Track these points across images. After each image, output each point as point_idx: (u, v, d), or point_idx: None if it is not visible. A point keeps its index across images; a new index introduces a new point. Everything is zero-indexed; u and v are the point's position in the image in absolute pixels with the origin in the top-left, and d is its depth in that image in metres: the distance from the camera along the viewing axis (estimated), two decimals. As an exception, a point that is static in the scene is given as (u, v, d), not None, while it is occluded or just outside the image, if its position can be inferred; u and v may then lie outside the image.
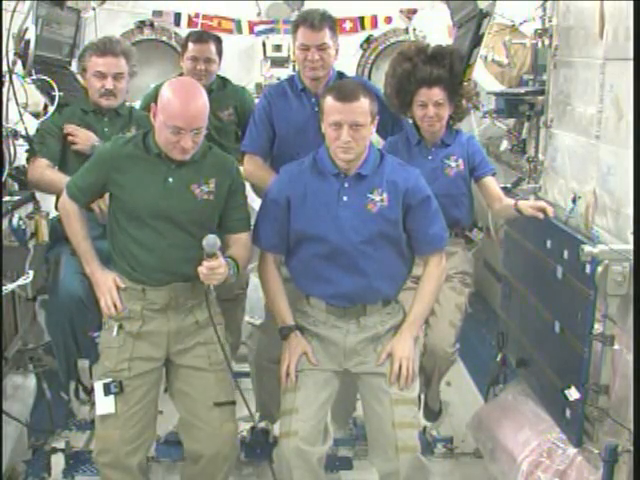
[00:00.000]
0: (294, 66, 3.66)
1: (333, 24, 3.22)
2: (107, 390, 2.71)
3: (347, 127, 2.57)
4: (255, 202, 4.89)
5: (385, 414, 2.70)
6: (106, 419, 2.73)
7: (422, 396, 3.46)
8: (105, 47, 3.20)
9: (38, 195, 3.23)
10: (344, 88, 2.65)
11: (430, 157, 3.22)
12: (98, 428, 2.79)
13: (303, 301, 2.84)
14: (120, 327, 2.72)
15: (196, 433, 2.77)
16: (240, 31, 5.12)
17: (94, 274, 2.75)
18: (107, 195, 2.78)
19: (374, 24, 5.20)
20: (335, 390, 2.80)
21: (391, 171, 2.69)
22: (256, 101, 4.15)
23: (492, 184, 3.26)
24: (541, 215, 2.92)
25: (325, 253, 2.70)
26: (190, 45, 3.85)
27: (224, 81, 4.03)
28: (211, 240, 2.50)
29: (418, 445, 2.71)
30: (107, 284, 2.71)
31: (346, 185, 2.68)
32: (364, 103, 2.58)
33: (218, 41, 3.91)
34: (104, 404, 2.72)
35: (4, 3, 3.16)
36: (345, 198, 2.67)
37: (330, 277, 2.72)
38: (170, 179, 2.66)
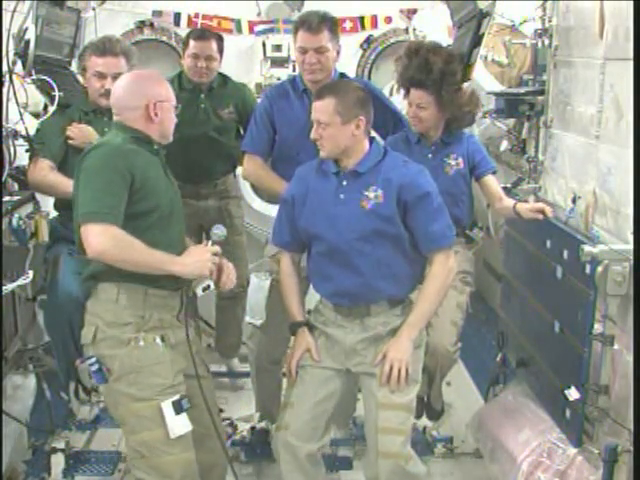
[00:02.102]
0: (294, 66, 3.65)
1: (333, 26, 3.19)
2: (178, 408, 2.49)
3: (316, 125, 2.64)
4: (255, 202, 4.92)
5: (370, 417, 2.71)
6: (181, 440, 2.51)
7: (425, 396, 3.47)
8: (105, 47, 3.19)
9: (38, 195, 3.23)
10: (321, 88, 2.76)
11: (430, 155, 3.23)
12: (174, 452, 2.52)
13: (318, 300, 2.86)
14: (162, 339, 2.54)
15: (211, 444, 2.69)
16: (240, 31, 5.11)
17: (184, 266, 2.46)
18: None
19: (374, 24, 5.19)
20: (336, 389, 2.79)
21: (390, 168, 2.68)
22: (257, 99, 4.17)
23: (492, 183, 3.26)
24: (540, 216, 2.93)
25: (325, 251, 2.72)
26: (191, 42, 3.86)
27: (225, 78, 4.04)
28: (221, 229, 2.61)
29: (402, 452, 2.65)
30: (202, 256, 2.49)
31: (344, 183, 2.70)
32: (329, 103, 2.62)
33: (219, 39, 3.93)
34: (178, 424, 2.49)
35: (4, 3, 3.16)
36: (342, 196, 2.69)
37: (330, 275, 2.73)
38: None
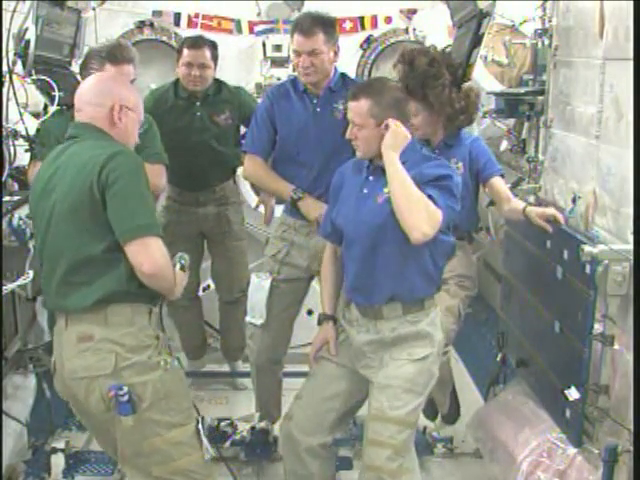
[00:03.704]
0: (294, 66, 3.66)
1: (329, 27, 3.17)
2: (202, 429, 2.45)
3: (351, 125, 2.60)
4: (254, 202, 4.91)
5: (365, 427, 2.71)
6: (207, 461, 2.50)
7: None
8: (122, 55, 3.15)
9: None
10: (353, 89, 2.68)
11: None
12: (210, 474, 2.51)
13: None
14: (178, 359, 2.49)
15: None
16: (240, 31, 5.10)
17: (179, 287, 2.44)
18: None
19: (374, 24, 5.18)
20: (345, 389, 2.78)
21: (411, 167, 2.57)
22: (256, 99, 4.17)
23: (499, 185, 3.22)
24: (549, 228, 2.89)
25: (345, 244, 2.73)
26: (185, 51, 3.86)
27: (220, 84, 4.04)
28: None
29: (386, 466, 2.59)
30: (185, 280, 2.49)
31: (370, 178, 2.67)
32: (363, 104, 2.57)
33: (213, 47, 3.92)
34: (207, 444, 2.45)
35: (4, 3, 3.17)
36: (365, 191, 2.67)
37: (347, 269, 2.74)
38: None
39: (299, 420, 2.78)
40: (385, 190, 2.58)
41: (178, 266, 2.45)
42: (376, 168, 2.65)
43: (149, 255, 2.25)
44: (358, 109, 2.58)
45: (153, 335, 2.39)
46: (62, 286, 2.34)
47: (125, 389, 2.27)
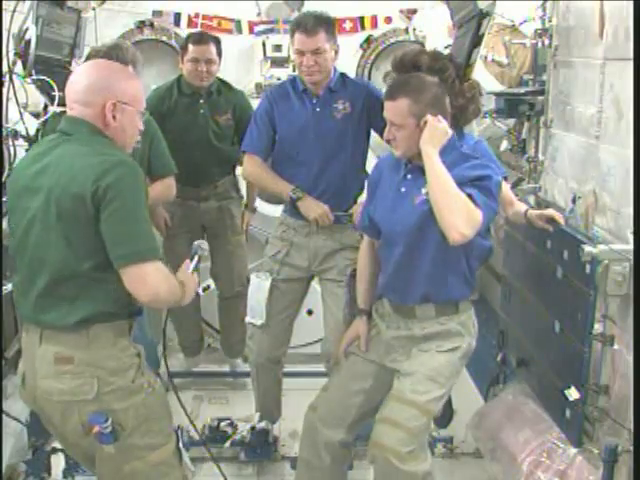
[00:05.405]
0: (294, 66, 3.66)
1: (330, 26, 3.18)
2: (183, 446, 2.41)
3: (389, 125, 2.54)
4: (254, 202, 4.90)
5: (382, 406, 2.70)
6: None
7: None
8: (117, 57, 3.12)
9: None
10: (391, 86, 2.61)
11: None
12: None
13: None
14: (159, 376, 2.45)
15: None
16: (240, 31, 5.12)
17: (189, 293, 2.31)
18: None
19: (374, 24, 5.19)
20: (370, 387, 2.77)
21: (450, 168, 2.47)
22: (254, 103, 4.18)
23: (503, 188, 3.20)
24: (551, 228, 2.89)
25: (383, 243, 2.72)
26: (190, 47, 3.88)
27: (223, 84, 4.07)
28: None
29: (396, 448, 2.54)
30: (195, 282, 2.37)
31: (408, 177, 2.62)
32: (402, 104, 2.50)
33: (217, 42, 3.97)
34: (189, 461, 2.41)
35: (4, 3, 3.16)
36: (403, 189, 2.62)
37: (384, 267, 2.73)
38: None
39: (323, 412, 2.79)
40: (423, 191, 2.51)
41: (192, 266, 2.32)
42: (415, 167, 2.58)
43: (146, 284, 2.08)
44: (397, 109, 2.49)
45: (134, 353, 2.25)
46: (43, 299, 2.18)
47: (109, 421, 2.15)
